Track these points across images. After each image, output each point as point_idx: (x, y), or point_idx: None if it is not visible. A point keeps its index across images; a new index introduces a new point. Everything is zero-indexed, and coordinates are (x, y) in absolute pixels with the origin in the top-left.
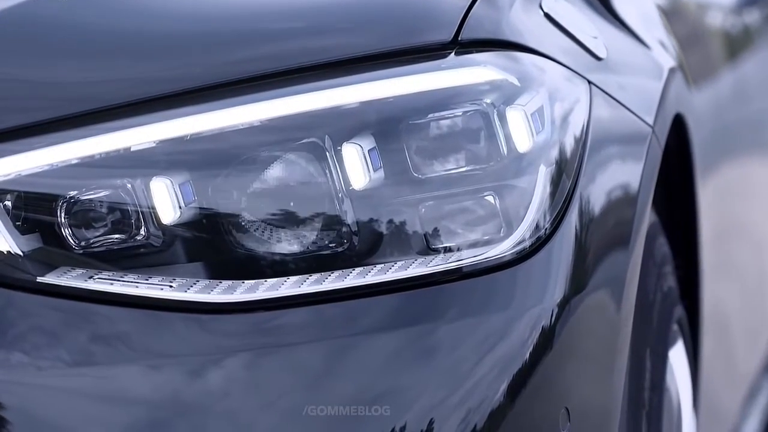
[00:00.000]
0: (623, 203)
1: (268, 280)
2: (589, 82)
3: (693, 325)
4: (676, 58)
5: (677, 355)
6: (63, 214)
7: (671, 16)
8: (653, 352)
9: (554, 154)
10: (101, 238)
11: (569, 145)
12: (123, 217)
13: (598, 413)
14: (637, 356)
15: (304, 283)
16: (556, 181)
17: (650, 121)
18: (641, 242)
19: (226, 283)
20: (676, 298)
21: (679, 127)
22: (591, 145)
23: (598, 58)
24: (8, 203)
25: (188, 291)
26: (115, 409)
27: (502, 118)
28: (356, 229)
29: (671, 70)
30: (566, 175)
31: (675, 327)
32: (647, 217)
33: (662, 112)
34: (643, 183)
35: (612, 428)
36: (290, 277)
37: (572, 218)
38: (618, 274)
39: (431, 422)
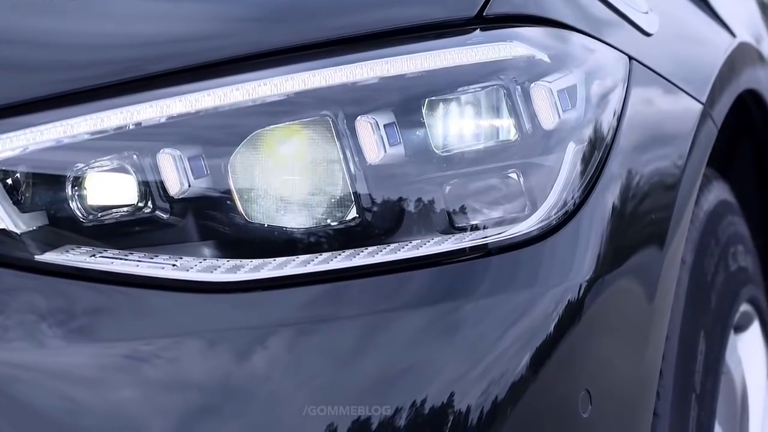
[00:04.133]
0: (663, 183)
1: (275, 259)
2: (631, 58)
3: None
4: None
5: (748, 337)
6: (71, 188)
7: None
8: (709, 335)
9: (586, 132)
10: (109, 212)
11: (602, 122)
12: (131, 189)
13: (627, 399)
14: (688, 339)
15: (312, 263)
16: (587, 160)
17: (702, 98)
18: (685, 226)
19: (232, 262)
20: (749, 278)
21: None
22: (627, 122)
23: (647, 34)
24: (9, 181)
25: (190, 270)
26: (102, 391)
27: (526, 94)
28: (370, 205)
29: (738, 48)
30: (597, 153)
31: (746, 308)
32: (693, 197)
33: (719, 89)
34: (690, 162)
35: (644, 415)
36: (298, 257)
37: (600, 197)
38: (652, 258)
39: (451, 395)
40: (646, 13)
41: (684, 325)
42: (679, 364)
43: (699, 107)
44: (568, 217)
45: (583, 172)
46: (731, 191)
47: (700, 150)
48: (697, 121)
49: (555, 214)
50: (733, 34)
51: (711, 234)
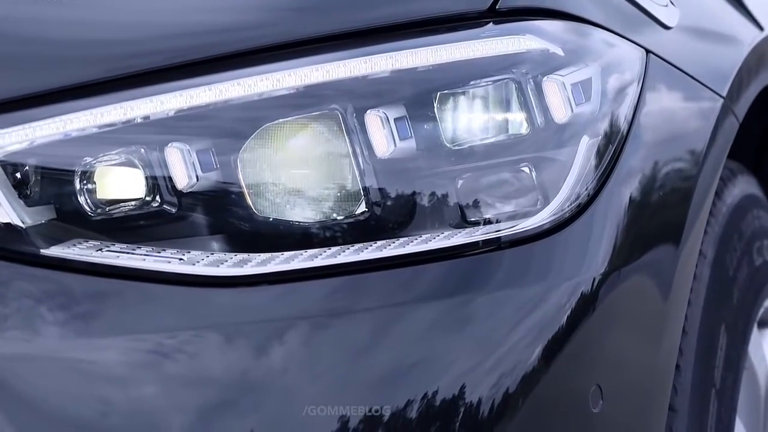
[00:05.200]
0: (681, 177)
1: (283, 253)
2: (648, 52)
3: None
4: None
5: None
6: (78, 181)
7: None
8: (730, 330)
9: (600, 125)
10: (117, 206)
11: (617, 116)
12: (139, 183)
13: (640, 394)
14: (708, 334)
15: (319, 257)
16: (601, 153)
17: (722, 91)
18: (703, 220)
19: (239, 256)
20: None
21: None
22: (643, 116)
23: (666, 27)
24: (18, 175)
25: (196, 264)
26: (96, 385)
27: (539, 88)
28: (379, 199)
29: (765, 41)
30: (611, 147)
31: None
32: (712, 191)
33: (743, 83)
34: (708, 156)
35: (658, 410)
36: (306, 251)
37: (614, 191)
38: (668, 252)
39: (462, 388)
40: (666, 6)
41: (703, 320)
42: (698, 359)
43: (719, 101)
44: (581, 210)
45: (597, 166)
46: (759, 186)
47: (719, 144)
48: (716, 114)
49: (568, 206)
50: (760, 27)
51: (734, 228)
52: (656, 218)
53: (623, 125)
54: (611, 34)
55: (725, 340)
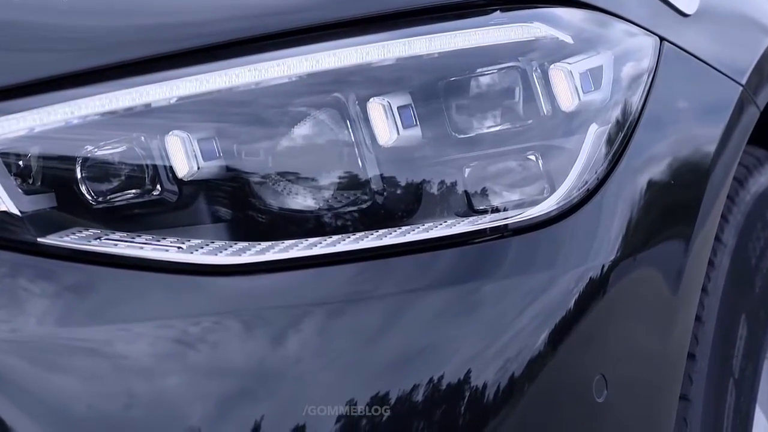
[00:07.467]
0: (694, 165)
1: (283, 242)
2: (663, 39)
3: None
4: None
5: None
6: (79, 169)
7: None
8: (751, 319)
9: (611, 113)
10: (117, 194)
11: (628, 104)
12: (139, 172)
13: (647, 385)
14: (726, 323)
15: (318, 246)
16: (611, 141)
17: (741, 79)
18: (719, 208)
19: (239, 244)
20: None
21: None
22: (656, 104)
23: (684, 14)
24: (20, 162)
25: (195, 253)
26: (90, 373)
27: (545, 76)
28: (383, 188)
29: None
30: (621, 135)
31: None
32: (728, 180)
33: (764, 70)
34: (726, 144)
35: (667, 401)
36: (306, 239)
37: (623, 179)
38: (680, 242)
39: (468, 374)
40: None
41: (722, 309)
42: (715, 349)
43: (738, 89)
44: (588, 198)
45: (606, 154)
46: None
47: (737, 133)
48: (734, 103)
49: (576, 194)
50: None
51: (758, 217)
52: (667, 206)
53: (634, 113)
54: (624, 21)
55: (745, 329)
